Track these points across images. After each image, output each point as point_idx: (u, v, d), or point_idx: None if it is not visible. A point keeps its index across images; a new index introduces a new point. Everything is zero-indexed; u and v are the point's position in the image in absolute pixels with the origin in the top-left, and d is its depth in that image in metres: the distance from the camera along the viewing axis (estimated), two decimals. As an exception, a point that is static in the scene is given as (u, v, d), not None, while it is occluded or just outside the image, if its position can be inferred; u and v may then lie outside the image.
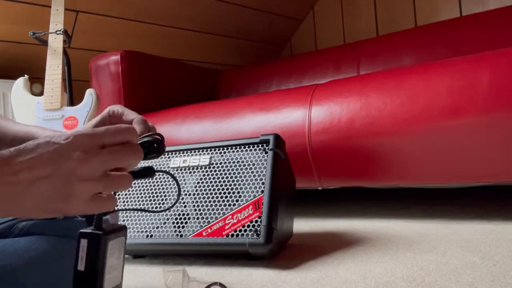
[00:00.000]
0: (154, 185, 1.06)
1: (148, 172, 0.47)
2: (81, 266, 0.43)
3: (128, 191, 1.09)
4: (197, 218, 0.98)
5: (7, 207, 0.40)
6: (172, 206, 0.53)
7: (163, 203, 1.03)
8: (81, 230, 0.45)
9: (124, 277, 0.93)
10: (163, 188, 1.05)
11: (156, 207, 1.04)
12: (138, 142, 0.47)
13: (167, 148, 1.09)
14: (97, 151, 0.42)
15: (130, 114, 0.63)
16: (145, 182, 1.08)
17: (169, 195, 1.04)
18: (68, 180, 0.40)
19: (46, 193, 0.40)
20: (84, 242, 0.44)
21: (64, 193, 0.40)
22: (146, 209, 1.05)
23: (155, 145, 0.48)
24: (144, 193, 1.07)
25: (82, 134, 0.42)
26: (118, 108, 0.63)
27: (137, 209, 0.48)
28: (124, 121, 0.63)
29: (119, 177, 0.43)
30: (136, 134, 0.46)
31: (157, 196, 1.05)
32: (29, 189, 0.40)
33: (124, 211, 1.07)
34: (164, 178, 1.07)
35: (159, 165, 1.09)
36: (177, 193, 1.04)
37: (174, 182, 1.05)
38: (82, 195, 0.41)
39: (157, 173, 0.54)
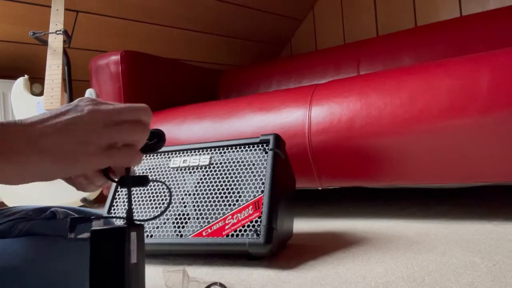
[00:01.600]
0: (152, 187, 1.07)
1: (143, 180, 0.47)
2: (134, 259, 0.42)
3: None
4: (197, 218, 0.98)
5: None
6: (160, 215, 0.51)
7: (162, 204, 1.03)
8: (125, 225, 0.44)
9: (124, 277, 0.93)
10: (162, 188, 1.05)
11: (156, 208, 1.04)
12: None
13: (168, 148, 1.09)
14: (105, 102, 0.46)
15: None
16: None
17: (167, 196, 1.04)
18: (79, 119, 0.43)
19: (64, 127, 0.42)
20: (134, 236, 0.43)
21: (79, 134, 0.42)
22: (143, 209, 1.05)
23: (155, 139, 0.50)
24: (143, 195, 1.07)
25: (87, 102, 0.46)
26: None
27: (117, 217, 0.47)
28: None
29: (132, 123, 0.45)
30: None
31: (156, 197, 1.05)
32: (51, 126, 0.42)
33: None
34: (162, 179, 1.07)
35: (160, 165, 1.09)
36: (176, 194, 1.04)
37: (174, 182, 1.05)
38: (97, 141, 0.43)
39: (152, 181, 0.53)
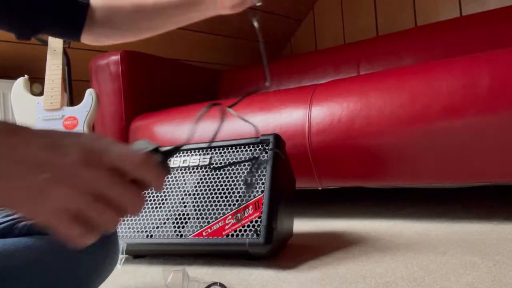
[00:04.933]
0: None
1: (177, 149, 0.49)
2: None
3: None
4: (197, 218, 0.98)
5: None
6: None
7: (161, 204, 1.03)
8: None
9: (124, 277, 0.93)
10: (162, 188, 1.05)
11: (156, 208, 1.03)
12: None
13: (167, 148, 1.09)
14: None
15: None
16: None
17: (168, 195, 1.04)
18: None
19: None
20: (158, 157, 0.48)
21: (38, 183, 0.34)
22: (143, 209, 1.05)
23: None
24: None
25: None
26: None
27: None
28: None
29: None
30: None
31: (156, 196, 1.05)
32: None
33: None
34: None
35: (159, 165, 1.09)
36: (176, 194, 1.04)
37: (174, 182, 1.05)
38: (54, 198, 0.35)
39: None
